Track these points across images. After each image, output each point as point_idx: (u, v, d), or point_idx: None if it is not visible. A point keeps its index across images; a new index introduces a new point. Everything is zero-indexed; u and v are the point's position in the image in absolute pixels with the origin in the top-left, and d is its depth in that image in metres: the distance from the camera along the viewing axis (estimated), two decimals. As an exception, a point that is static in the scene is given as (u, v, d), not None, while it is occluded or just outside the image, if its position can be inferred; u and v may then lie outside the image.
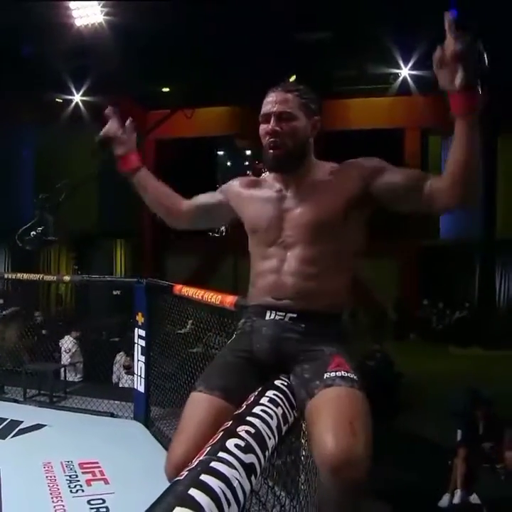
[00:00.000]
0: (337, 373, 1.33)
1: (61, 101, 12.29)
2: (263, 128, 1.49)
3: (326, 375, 1.33)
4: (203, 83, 12.02)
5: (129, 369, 5.80)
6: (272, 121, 1.47)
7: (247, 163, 17.04)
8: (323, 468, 1.16)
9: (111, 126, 1.67)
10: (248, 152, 16.68)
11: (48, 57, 9.76)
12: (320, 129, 1.52)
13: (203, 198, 1.69)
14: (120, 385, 5.89)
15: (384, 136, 13.48)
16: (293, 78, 11.11)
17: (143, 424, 3.55)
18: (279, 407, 1.31)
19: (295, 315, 1.44)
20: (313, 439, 1.22)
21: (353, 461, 1.14)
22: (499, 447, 4.64)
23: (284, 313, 1.45)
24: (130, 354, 5.76)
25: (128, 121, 1.71)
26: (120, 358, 6.26)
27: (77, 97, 12.27)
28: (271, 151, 1.47)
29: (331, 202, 1.44)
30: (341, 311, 1.49)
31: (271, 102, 1.48)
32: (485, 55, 1.24)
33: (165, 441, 3.18)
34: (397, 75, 12.00)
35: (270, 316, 1.47)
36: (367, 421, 1.24)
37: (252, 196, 1.58)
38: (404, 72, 11.68)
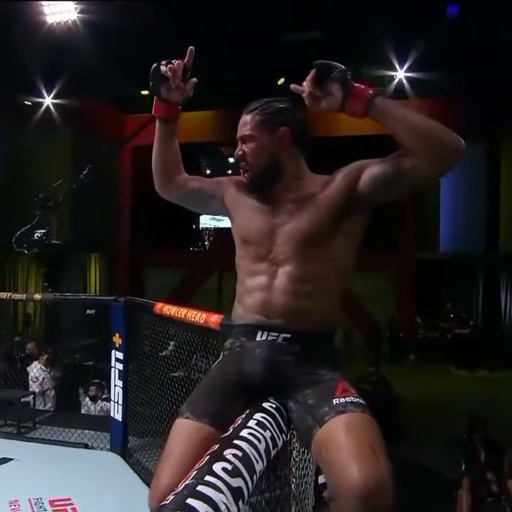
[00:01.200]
0: (347, 399, 1.36)
1: (30, 104, 12.29)
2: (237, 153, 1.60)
3: (335, 401, 1.36)
4: (193, 75, 12.10)
5: (94, 399, 5.73)
6: (238, 146, 1.59)
7: (230, 171, 17.14)
8: (350, 498, 1.18)
9: (178, 67, 1.55)
10: (231, 160, 16.78)
11: (17, 57, 9.77)
12: (295, 138, 1.57)
13: (200, 183, 1.74)
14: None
15: (378, 143, 13.60)
16: (281, 81, 11.28)
17: (120, 455, 3.52)
18: (268, 431, 1.34)
19: (289, 335, 1.46)
20: (332, 468, 1.24)
21: (382, 488, 1.17)
22: (501, 476, 4.67)
23: (277, 334, 1.47)
24: (98, 384, 5.72)
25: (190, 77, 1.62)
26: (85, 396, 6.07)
27: (48, 100, 12.27)
28: (244, 174, 1.59)
29: (321, 215, 1.49)
30: (334, 329, 1.53)
31: (239, 126, 1.60)
32: (329, 63, 1.39)
33: (145, 474, 3.15)
34: (392, 78, 12.17)
35: (262, 336, 1.48)
36: (383, 444, 1.28)
37: (246, 202, 1.62)
38: (400, 74, 11.85)
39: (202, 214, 15.00)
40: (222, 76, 11.14)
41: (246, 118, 1.58)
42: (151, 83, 1.57)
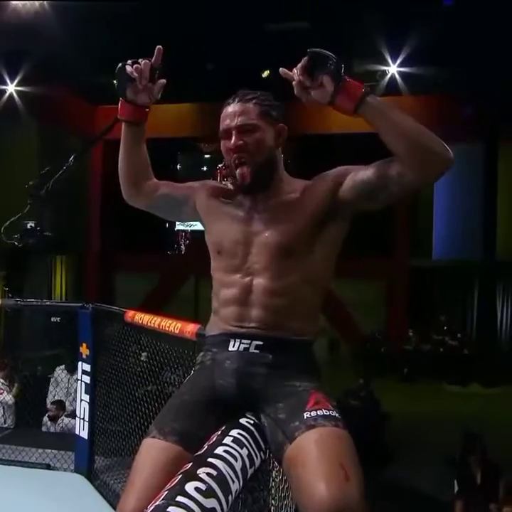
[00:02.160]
0: (318, 412, 1.36)
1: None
2: (225, 145, 1.56)
3: (305, 415, 1.36)
4: (161, 76, 12.08)
5: (54, 419, 5.68)
6: (233, 137, 1.53)
7: (205, 168, 17.11)
8: None
9: (145, 67, 1.53)
10: (207, 156, 16.76)
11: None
12: (286, 137, 1.59)
13: (170, 189, 1.73)
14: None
15: (369, 142, 13.68)
16: (266, 73, 11.33)
17: (85, 477, 3.47)
18: (245, 448, 1.35)
19: (261, 343, 1.48)
20: (300, 487, 1.25)
21: (351, 509, 1.17)
22: (497, 501, 4.72)
23: (249, 341, 1.49)
24: (59, 402, 5.66)
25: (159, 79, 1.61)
26: (52, 397, 6.05)
27: (11, 87, 12.15)
28: (238, 169, 1.53)
29: (300, 224, 1.50)
30: (311, 338, 1.54)
31: (229, 116, 1.55)
32: (324, 53, 1.40)
33: (112, 497, 3.12)
34: (384, 73, 12.27)
35: (234, 346, 1.50)
36: (356, 461, 1.28)
37: (220, 209, 1.62)
38: (393, 69, 11.95)
39: (175, 221, 14.97)
40: (201, 67, 11.16)
41: (244, 106, 1.55)
42: (116, 84, 1.56)
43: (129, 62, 1.53)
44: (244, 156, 1.53)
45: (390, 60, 11.65)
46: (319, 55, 1.39)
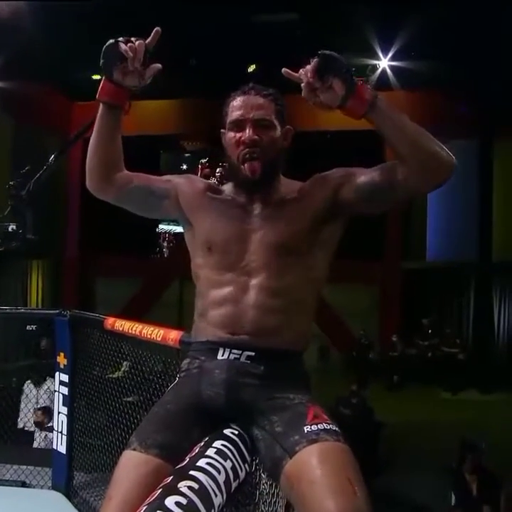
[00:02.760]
0: (319, 426, 1.38)
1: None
2: (234, 136, 1.53)
3: (306, 429, 1.38)
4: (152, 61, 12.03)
5: (42, 426, 5.61)
6: (248, 129, 1.51)
7: (185, 167, 17.05)
8: None
9: (140, 47, 1.46)
10: (187, 154, 16.72)
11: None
12: (291, 140, 1.61)
13: (147, 181, 1.67)
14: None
15: (360, 139, 13.77)
16: (253, 68, 11.33)
17: (64, 494, 3.44)
18: (229, 460, 1.35)
19: (253, 353, 1.47)
20: (308, 504, 1.26)
21: None
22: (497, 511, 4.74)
23: (240, 351, 1.48)
24: (44, 409, 5.59)
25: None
26: (24, 415, 5.94)
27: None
28: (247, 163, 1.51)
29: (298, 222, 1.52)
30: (303, 348, 1.55)
31: (244, 107, 1.53)
32: (335, 55, 1.39)
33: (92, 515, 3.10)
34: (375, 67, 12.32)
35: (223, 354, 1.49)
36: (361, 476, 1.31)
37: (210, 205, 1.60)
38: (384, 63, 12.01)
39: (146, 217, 14.77)
40: (184, 62, 11.14)
41: (262, 100, 1.54)
42: (102, 61, 1.48)
43: (122, 39, 1.47)
44: (257, 152, 1.52)
45: (380, 54, 11.70)
46: (330, 57, 1.39)
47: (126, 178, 1.66)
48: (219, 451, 1.35)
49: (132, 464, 1.39)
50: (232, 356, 1.48)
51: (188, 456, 1.34)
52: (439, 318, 13.62)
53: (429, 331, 12.85)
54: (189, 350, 1.62)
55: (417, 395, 10.90)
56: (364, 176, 1.50)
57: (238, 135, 1.52)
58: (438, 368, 11.86)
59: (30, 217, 2.05)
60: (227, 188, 1.64)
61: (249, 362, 1.48)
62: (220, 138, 1.60)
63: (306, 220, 1.52)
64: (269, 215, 1.54)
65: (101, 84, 1.54)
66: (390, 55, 11.65)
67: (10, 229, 2.02)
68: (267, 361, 1.48)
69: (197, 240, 1.60)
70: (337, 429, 1.39)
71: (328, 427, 1.39)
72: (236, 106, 1.54)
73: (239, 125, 1.53)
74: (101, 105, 1.57)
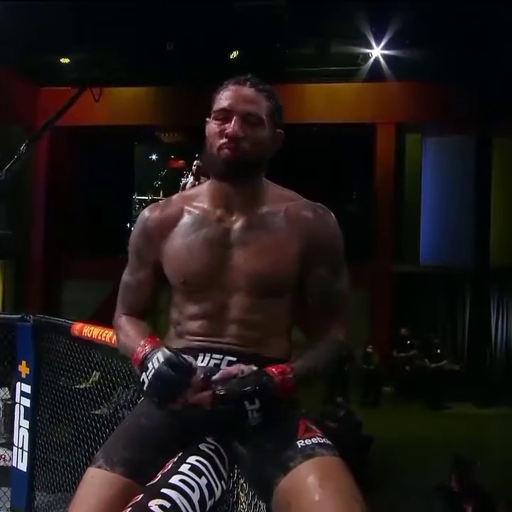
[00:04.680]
0: (313, 440, 1.40)
1: None
2: (217, 127, 1.49)
3: (299, 444, 1.39)
4: (116, 54, 11.98)
5: None
6: (233, 122, 1.47)
7: (155, 157, 17.00)
8: None
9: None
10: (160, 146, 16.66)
11: None
12: (280, 145, 1.58)
13: (147, 280, 1.64)
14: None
15: (348, 133, 13.88)
16: (235, 54, 11.33)
17: (24, 515, 3.42)
18: (203, 477, 1.34)
19: (235, 358, 1.47)
20: None
21: None
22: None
23: (221, 356, 1.48)
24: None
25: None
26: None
27: None
28: (223, 151, 1.47)
29: (284, 260, 1.51)
30: (286, 356, 1.55)
31: (234, 97, 1.49)
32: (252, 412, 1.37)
33: (55, 539, 3.07)
34: (367, 56, 12.37)
35: (203, 360, 1.48)
36: (360, 491, 1.35)
37: (182, 234, 1.55)
38: (376, 51, 12.05)
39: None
40: (161, 46, 11.10)
41: (256, 95, 1.50)
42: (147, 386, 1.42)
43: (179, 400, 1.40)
44: (240, 148, 1.47)
45: (373, 42, 11.73)
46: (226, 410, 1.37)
47: (148, 308, 1.69)
48: (193, 468, 1.34)
49: (97, 482, 1.37)
50: (212, 362, 1.48)
51: (160, 472, 1.33)
52: (431, 326, 13.65)
53: (408, 342, 12.67)
54: None
55: (414, 407, 10.98)
56: (327, 279, 1.55)
57: (223, 126, 1.48)
58: (434, 378, 11.85)
59: (5, 211, 1.98)
60: (203, 193, 1.59)
61: None
62: (201, 129, 1.57)
63: (292, 254, 1.52)
64: (252, 235, 1.51)
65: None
66: (383, 43, 11.65)
67: None
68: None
69: (171, 276, 1.56)
70: (330, 442, 1.41)
71: (322, 441, 1.40)
72: (226, 95, 1.50)
73: (225, 115, 1.49)
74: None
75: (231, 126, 1.47)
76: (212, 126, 1.51)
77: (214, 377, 1.38)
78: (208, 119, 1.54)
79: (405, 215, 14.76)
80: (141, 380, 1.42)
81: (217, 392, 1.35)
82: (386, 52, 11.94)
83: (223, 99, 1.50)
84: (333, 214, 1.59)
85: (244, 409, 1.34)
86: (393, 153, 14.14)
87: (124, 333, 1.62)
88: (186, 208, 1.57)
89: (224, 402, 1.35)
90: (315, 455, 1.36)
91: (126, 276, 1.66)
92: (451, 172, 13.90)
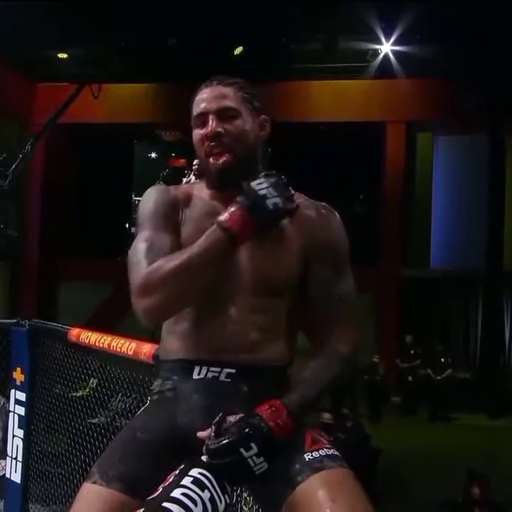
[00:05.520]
0: (320, 452, 1.40)
1: None
2: (199, 133, 1.55)
3: (307, 457, 1.39)
4: (115, 50, 12.02)
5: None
6: (211, 122, 1.52)
7: (155, 155, 17.01)
8: None
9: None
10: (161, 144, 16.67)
11: None
12: (269, 131, 1.60)
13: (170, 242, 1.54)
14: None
15: (357, 132, 13.87)
16: (239, 50, 11.35)
17: (18, 529, 3.42)
18: (207, 491, 1.33)
19: (233, 370, 1.47)
20: None
21: None
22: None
23: (219, 369, 1.47)
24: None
25: None
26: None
27: None
28: (212, 159, 1.51)
29: (288, 259, 1.53)
30: (288, 363, 1.56)
31: (206, 100, 1.54)
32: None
33: (50, 553, 3.07)
34: (376, 52, 12.38)
35: (200, 373, 1.48)
36: (370, 503, 1.37)
37: (193, 221, 1.56)
38: (386, 47, 12.07)
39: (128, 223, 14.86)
40: (162, 41, 11.12)
41: (223, 89, 1.54)
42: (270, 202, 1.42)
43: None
44: (224, 144, 1.51)
45: (382, 38, 11.74)
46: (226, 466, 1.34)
47: None
48: (196, 481, 1.34)
49: (92, 499, 1.37)
50: (210, 375, 1.47)
51: (162, 485, 1.33)
52: (440, 334, 13.60)
53: (413, 352, 12.55)
54: (160, 369, 1.59)
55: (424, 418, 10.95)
56: (329, 278, 1.54)
57: (203, 131, 1.53)
58: (445, 387, 11.80)
59: (12, 211, 1.98)
60: (205, 190, 1.61)
61: (229, 380, 1.47)
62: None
63: (296, 257, 1.53)
64: (256, 244, 1.51)
65: (243, 217, 1.43)
66: (392, 38, 11.66)
67: None
68: (250, 379, 1.47)
69: None
70: (338, 453, 1.42)
71: (331, 453, 1.41)
72: (198, 101, 1.55)
73: (202, 120, 1.54)
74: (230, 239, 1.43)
75: (209, 127, 1.51)
76: (195, 133, 1.56)
77: (198, 434, 1.37)
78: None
79: (415, 216, 14.75)
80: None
81: (207, 446, 1.34)
82: (396, 48, 11.96)
83: (197, 105, 1.55)
84: (337, 214, 1.60)
85: (243, 458, 1.31)
86: (403, 152, 14.14)
87: (172, 258, 1.42)
88: (195, 194, 1.60)
89: (218, 456, 1.33)
90: (324, 468, 1.36)
91: (143, 242, 1.50)
92: (463, 172, 13.88)
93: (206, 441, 1.35)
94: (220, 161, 1.51)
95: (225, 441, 1.32)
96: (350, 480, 1.37)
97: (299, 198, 1.58)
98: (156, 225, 1.52)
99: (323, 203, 1.61)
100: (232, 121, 1.52)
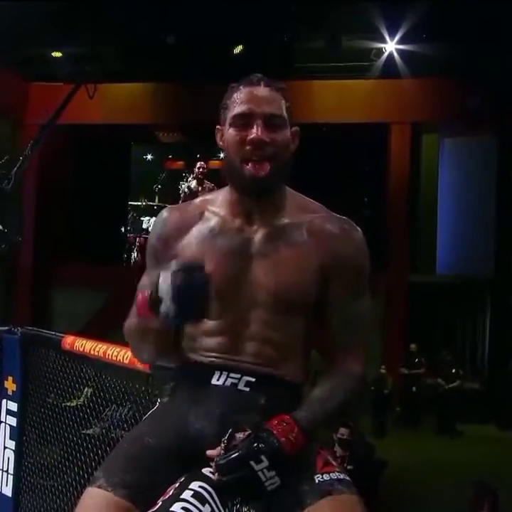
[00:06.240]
0: (331, 475, 1.42)
1: None
2: (238, 134, 1.48)
3: (317, 479, 1.40)
4: (112, 48, 12.03)
5: None
6: (256, 127, 1.46)
7: (150, 157, 17.01)
8: None
9: None
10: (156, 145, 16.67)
11: None
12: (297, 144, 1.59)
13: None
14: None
15: (360, 134, 13.88)
16: (239, 49, 11.37)
17: (9, 544, 3.40)
18: (207, 505, 1.34)
19: (253, 379, 1.47)
20: None
21: None
22: None
23: (239, 376, 1.48)
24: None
25: None
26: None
27: None
28: (251, 166, 1.46)
29: (305, 276, 1.51)
30: (303, 380, 1.57)
31: (252, 100, 1.48)
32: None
33: None
34: (380, 51, 12.39)
35: (219, 379, 1.48)
36: None
37: (200, 238, 1.55)
38: (391, 46, 12.08)
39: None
40: (160, 39, 11.14)
41: (273, 94, 1.49)
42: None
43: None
44: (268, 153, 1.46)
45: (387, 36, 11.74)
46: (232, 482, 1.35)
47: None
48: (196, 494, 1.34)
49: (97, 503, 1.37)
50: (228, 381, 1.48)
51: (161, 499, 1.33)
52: (448, 341, 13.57)
53: (416, 360, 12.42)
54: (176, 372, 1.60)
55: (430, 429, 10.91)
56: (347, 299, 1.55)
57: (244, 133, 1.47)
58: (452, 398, 11.74)
59: (16, 215, 2.00)
60: (219, 202, 1.59)
61: (248, 390, 1.47)
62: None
63: (314, 272, 1.52)
64: (274, 246, 1.51)
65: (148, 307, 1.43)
66: (397, 37, 11.65)
67: None
68: (268, 391, 1.48)
69: None
70: (348, 478, 1.43)
71: (341, 477, 1.42)
72: (241, 98, 1.48)
73: (244, 121, 1.47)
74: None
75: (254, 131, 1.45)
76: (230, 133, 1.49)
77: (208, 453, 1.38)
78: (218, 126, 1.54)
79: (420, 220, 14.73)
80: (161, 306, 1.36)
81: (217, 463, 1.34)
82: (401, 47, 11.95)
83: (240, 103, 1.48)
84: (360, 230, 1.58)
85: (254, 471, 1.32)
86: (408, 154, 14.07)
87: (129, 321, 1.59)
88: (207, 212, 1.57)
89: (228, 471, 1.33)
90: (333, 492, 1.38)
91: (142, 281, 1.62)
92: (470, 174, 13.88)
93: (215, 459, 1.35)
94: (261, 171, 1.46)
95: (234, 455, 1.32)
96: (359, 508, 1.38)
97: (321, 212, 1.57)
98: (150, 265, 1.62)
99: (345, 218, 1.59)
100: (278, 130, 1.48)
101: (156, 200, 14.58)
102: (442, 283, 13.79)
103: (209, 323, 1.50)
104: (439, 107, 13.36)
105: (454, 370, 12.04)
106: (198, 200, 1.65)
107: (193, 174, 8.96)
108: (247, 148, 1.46)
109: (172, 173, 15.23)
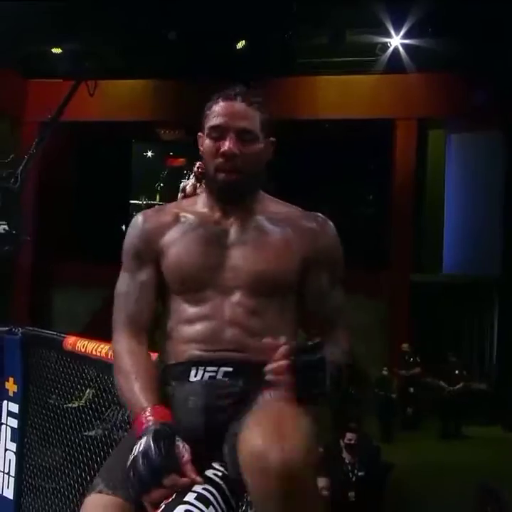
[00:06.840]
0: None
1: None
2: (212, 145, 1.60)
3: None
4: (112, 44, 12.02)
5: None
6: (228, 140, 1.58)
7: (151, 154, 17.00)
8: None
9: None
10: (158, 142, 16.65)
11: None
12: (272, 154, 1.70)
13: (147, 289, 1.68)
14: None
15: (365, 130, 13.82)
16: (242, 44, 11.35)
17: (10, 548, 3.42)
18: (211, 507, 1.35)
19: (231, 369, 1.52)
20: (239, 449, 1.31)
21: None
22: None
23: (216, 368, 1.52)
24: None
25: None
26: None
27: None
28: (222, 174, 1.59)
29: (285, 258, 1.60)
30: None
31: (227, 114, 1.59)
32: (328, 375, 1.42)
33: None
34: (385, 45, 12.36)
35: (196, 375, 1.52)
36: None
37: (181, 233, 1.64)
38: (396, 40, 12.05)
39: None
40: (162, 35, 11.14)
41: (248, 109, 1.60)
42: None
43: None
44: (236, 165, 1.58)
45: (392, 31, 11.72)
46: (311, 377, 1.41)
47: (149, 319, 1.69)
48: (200, 496, 1.34)
49: (98, 508, 1.39)
50: (206, 375, 1.52)
51: (164, 502, 1.34)
52: (453, 342, 13.51)
53: (411, 359, 12.30)
54: (161, 377, 1.63)
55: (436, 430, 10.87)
56: (326, 284, 1.64)
57: (217, 144, 1.59)
58: (458, 399, 11.69)
59: (22, 215, 2.03)
60: (201, 199, 1.71)
61: (226, 379, 1.52)
62: (201, 127, 1.66)
63: (293, 257, 1.61)
64: (250, 237, 1.62)
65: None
66: (403, 31, 11.63)
67: (1, 230, 2.00)
68: (246, 377, 1.51)
69: (170, 275, 1.63)
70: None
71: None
72: (218, 111, 1.60)
73: (219, 133, 1.60)
74: None
75: (226, 145, 1.57)
76: (207, 143, 1.62)
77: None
78: (200, 133, 1.66)
79: (426, 218, 14.68)
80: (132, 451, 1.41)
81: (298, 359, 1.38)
82: (406, 41, 11.93)
83: (216, 115, 1.60)
84: (332, 224, 1.68)
85: (323, 375, 1.39)
86: (414, 151, 14.03)
87: (124, 373, 1.61)
88: (182, 214, 1.67)
89: (307, 369, 1.38)
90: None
91: (123, 286, 1.70)
92: (477, 172, 13.83)
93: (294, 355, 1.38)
94: (229, 179, 1.59)
95: (319, 356, 1.39)
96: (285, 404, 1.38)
97: (295, 209, 1.69)
98: (132, 267, 1.68)
99: (318, 213, 1.69)
100: (249, 145, 1.60)
101: (157, 198, 14.59)
102: (448, 283, 13.72)
103: (188, 312, 1.58)
104: (446, 103, 13.33)
105: (457, 372, 11.94)
106: (171, 204, 1.77)
107: (194, 171, 8.95)
108: (220, 159, 1.59)
109: (173, 171, 15.24)
